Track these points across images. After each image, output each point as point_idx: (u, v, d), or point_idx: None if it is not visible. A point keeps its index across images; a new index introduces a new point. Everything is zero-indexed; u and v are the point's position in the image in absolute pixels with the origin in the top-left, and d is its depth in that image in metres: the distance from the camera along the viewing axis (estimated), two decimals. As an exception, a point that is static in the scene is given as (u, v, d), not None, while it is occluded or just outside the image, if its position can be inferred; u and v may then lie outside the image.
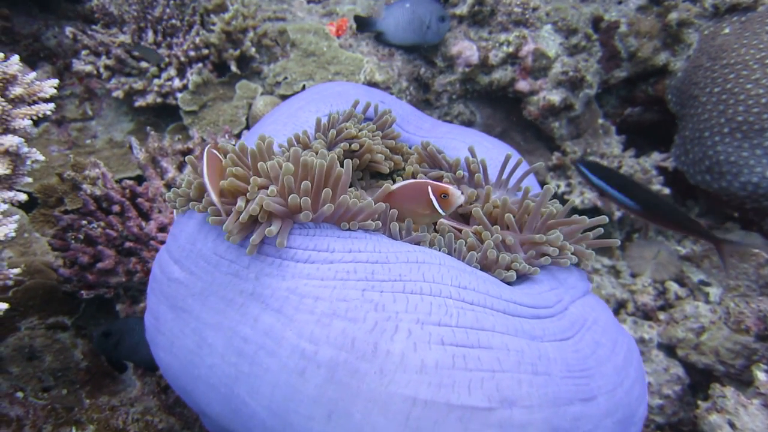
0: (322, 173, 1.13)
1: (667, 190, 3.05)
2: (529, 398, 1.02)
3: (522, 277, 1.30)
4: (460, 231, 1.40)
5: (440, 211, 1.28)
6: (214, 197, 1.12)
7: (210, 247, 1.18)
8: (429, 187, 1.29)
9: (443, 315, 1.05)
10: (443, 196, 1.28)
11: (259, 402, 1.05)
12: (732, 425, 1.95)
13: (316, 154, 1.25)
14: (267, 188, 1.13)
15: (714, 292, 2.68)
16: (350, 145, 1.47)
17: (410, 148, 1.66)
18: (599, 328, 1.26)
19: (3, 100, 1.42)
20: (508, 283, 1.26)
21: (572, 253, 1.33)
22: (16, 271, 1.37)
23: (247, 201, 1.11)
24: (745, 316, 2.35)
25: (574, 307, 1.28)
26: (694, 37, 3.00)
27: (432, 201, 1.28)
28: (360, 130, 1.50)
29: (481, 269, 1.26)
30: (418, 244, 1.24)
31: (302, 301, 1.06)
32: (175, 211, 1.35)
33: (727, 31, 2.84)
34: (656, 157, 3.12)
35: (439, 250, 1.25)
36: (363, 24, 2.92)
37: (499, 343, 1.05)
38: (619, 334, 1.31)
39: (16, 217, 1.32)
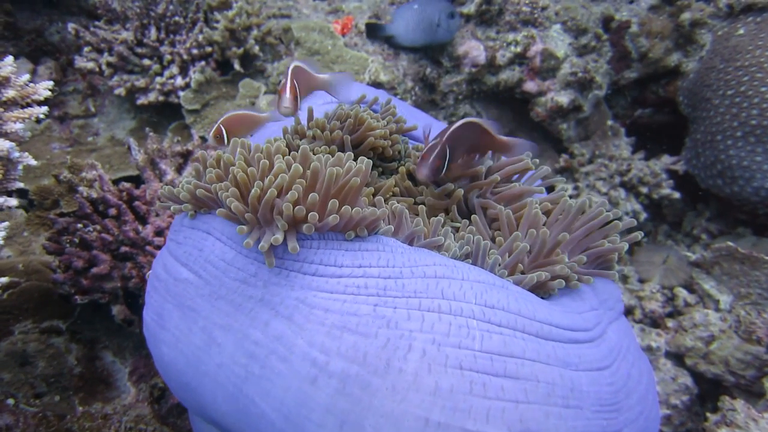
0: (332, 182, 1.10)
1: (677, 194, 2.99)
2: (556, 431, 0.99)
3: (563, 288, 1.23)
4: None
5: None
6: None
7: (217, 254, 1.19)
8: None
9: (464, 337, 1.00)
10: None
11: (270, 404, 1.05)
12: (741, 440, 1.90)
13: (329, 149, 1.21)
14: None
15: (724, 299, 2.63)
16: (343, 123, 1.44)
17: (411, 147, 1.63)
18: (630, 357, 1.21)
19: (-6, 103, 1.39)
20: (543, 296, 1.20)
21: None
22: (4, 280, 1.34)
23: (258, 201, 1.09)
24: (757, 326, 2.29)
25: (611, 331, 1.21)
26: (707, 38, 2.93)
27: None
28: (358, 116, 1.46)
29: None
30: (438, 247, 1.18)
31: (312, 311, 1.05)
32: (175, 214, 1.32)
33: (741, 31, 2.77)
34: (666, 160, 3.06)
35: (460, 256, 1.19)
36: (374, 30, 2.90)
37: (528, 373, 1.00)
38: (640, 359, 1.27)
39: (6, 224, 1.29)
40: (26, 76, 1.48)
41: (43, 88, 1.51)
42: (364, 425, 0.97)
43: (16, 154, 1.39)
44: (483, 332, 1.02)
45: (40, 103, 1.50)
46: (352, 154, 1.30)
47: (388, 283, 1.06)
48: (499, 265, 1.20)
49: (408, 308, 1.03)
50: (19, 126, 1.42)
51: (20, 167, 1.41)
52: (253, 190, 1.07)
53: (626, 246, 1.26)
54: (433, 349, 0.99)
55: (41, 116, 1.44)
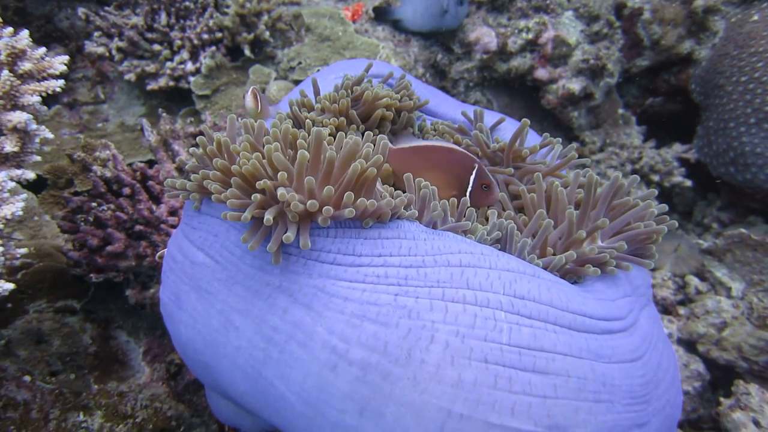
0: (354, 177, 1.05)
1: (689, 182, 2.97)
2: (585, 426, 0.96)
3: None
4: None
5: (467, 196, 1.20)
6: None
7: (233, 241, 1.17)
8: (474, 171, 1.18)
9: (490, 330, 0.97)
10: (483, 187, 1.19)
11: (289, 388, 1.05)
12: (757, 423, 1.89)
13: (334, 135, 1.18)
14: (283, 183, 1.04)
15: (736, 287, 2.61)
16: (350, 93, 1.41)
17: (430, 125, 1.60)
18: (660, 344, 1.18)
19: (11, 75, 1.38)
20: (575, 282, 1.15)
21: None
22: (23, 251, 1.34)
23: (262, 197, 1.05)
24: (770, 312, 2.28)
25: (643, 319, 1.18)
26: (720, 25, 2.91)
27: (469, 184, 1.18)
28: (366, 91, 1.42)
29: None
30: (464, 231, 1.13)
31: (331, 299, 1.04)
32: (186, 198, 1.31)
33: (756, 18, 2.75)
34: (678, 148, 3.04)
35: (489, 239, 1.14)
36: (381, 13, 2.89)
37: (558, 368, 0.97)
38: (667, 345, 1.23)
39: (24, 195, 1.29)
40: (42, 50, 1.47)
41: (59, 62, 1.50)
42: (385, 413, 0.97)
43: (33, 127, 1.38)
44: (511, 325, 0.99)
45: (55, 77, 1.49)
46: (370, 134, 1.28)
47: (410, 273, 1.03)
48: (529, 248, 1.16)
49: (431, 298, 1.01)
50: (35, 99, 1.41)
51: (37, 140, 1.40)
52: (258, 196, 1.03)
53: (665, 229, 1.22)
54: (457, 341, 0.97)
55: (58, 89, 1.43)
